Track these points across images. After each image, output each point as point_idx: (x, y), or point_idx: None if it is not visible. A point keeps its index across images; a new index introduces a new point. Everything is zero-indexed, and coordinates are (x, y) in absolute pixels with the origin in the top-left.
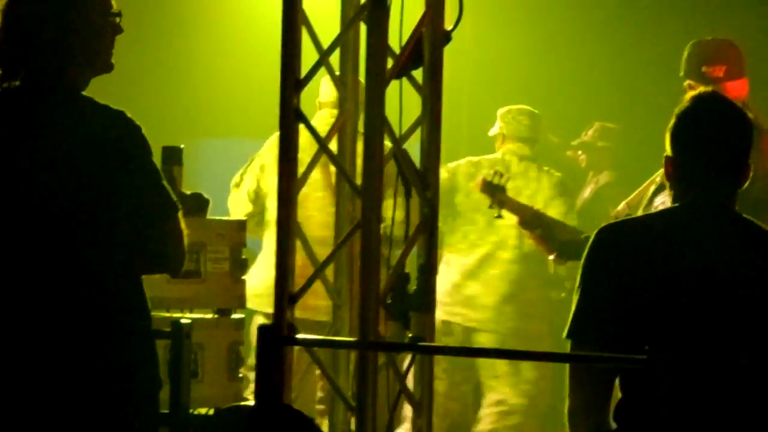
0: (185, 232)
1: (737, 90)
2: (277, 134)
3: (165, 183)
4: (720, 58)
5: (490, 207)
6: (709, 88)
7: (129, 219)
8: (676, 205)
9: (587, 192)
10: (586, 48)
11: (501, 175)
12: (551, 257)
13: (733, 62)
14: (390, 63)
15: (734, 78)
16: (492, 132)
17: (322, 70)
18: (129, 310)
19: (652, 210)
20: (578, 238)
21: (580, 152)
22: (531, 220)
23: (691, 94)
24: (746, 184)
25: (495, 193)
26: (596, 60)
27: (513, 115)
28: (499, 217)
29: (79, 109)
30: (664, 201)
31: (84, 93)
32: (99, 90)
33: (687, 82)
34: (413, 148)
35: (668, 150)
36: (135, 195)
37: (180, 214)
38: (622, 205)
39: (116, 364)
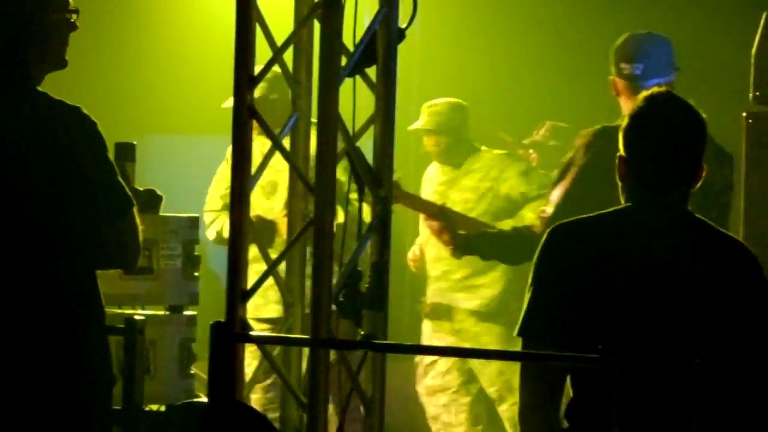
0: (140, 227)
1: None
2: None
3: (120, 179)
4: (639, 56)
5: None
6: (663, 89)
7: (84, 214)
8: (629, 204)
9: None
10: (538, 47)
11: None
12: (450, 249)
13: (655, 60)
14: (344, 61)
15: (654, 77)
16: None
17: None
18: (83, 307)
19: (549, 204)
20: (480, 230)
21: (531, 151)
22: (434, 214)
23: (644, 94)
24: (699, 184)
25: None
26: (548, 59)
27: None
28: None
29: (34, 104)
30: (556, 194)
31: (39, 88)
32: (52, 85)
33: (611, 78)
34: (366, 146)
35: (622, 150)
36: (90, 190)
37: (135, 210)
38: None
39: (70, 360)
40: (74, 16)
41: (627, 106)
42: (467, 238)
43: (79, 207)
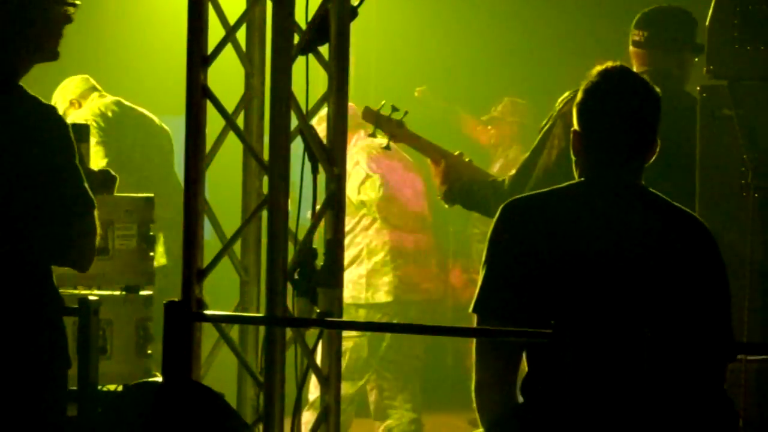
0: (99, 231)
1: (660, 61)
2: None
3: (86, 183)
4: (646, 23)
5: (371, 135)
6: (617, 63)
7: (45, 213)
8: (582, 179)
9: (496, 167)
10: (495, 23)
11: (396, 109)
12: (439, 195)
13: (662, 30)
14: (296, 39)
15: (657, 47)
16: None
17: (229, 46)
18: (39, 292)
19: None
20: (480, 181)
21: (489, 127)
22: (437, 159)
23: (598, 68)
24: (652, 159)
25: (382, 123)
26: (505, 35)
27: None
28: (387, 148)
29: (14, 98)
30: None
31: None
32: None
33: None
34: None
35: (575, 125)
36: (55, 190)
37: (96, 213)
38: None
39: (25, 344)
40: (71, 9)
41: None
42: (453, 187)
43: (40, 204)
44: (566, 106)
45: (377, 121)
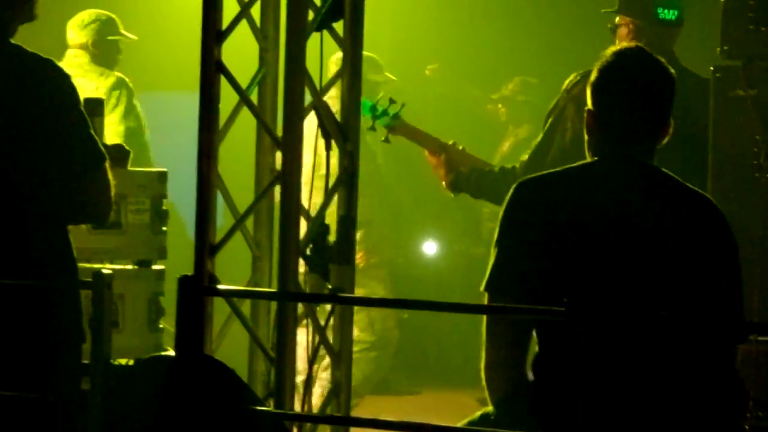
0: (112, 182)
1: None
2: None
3: (93, 133)
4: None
5: (370, 129)
6: (632, 44)
7: (57, 168)
8: (596, 159)
9: (506, 146)
10: (509, 2)
11: (393, 101)
12: (444, 185)
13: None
14: (311, 15)
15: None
16: None
17: (243, 22)
18: (56, 263)
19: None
20: (487, 171)
21: (500, 105)
22: (436, 150)
23: (612, 49)
24: (666, 140)
25: (380, 117)
26: (518, 14)
27: None
28: (386, 141)
29: (10, 57)
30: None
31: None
32: (23, 39)
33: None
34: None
35: (589, 104)
36: (63, 144)
37: (107, 165)
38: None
39: (42, 315)
40: None
41: None
42: (459, 176)
43: (52, 160)
44: (576, 88)
45: (376, 116)
